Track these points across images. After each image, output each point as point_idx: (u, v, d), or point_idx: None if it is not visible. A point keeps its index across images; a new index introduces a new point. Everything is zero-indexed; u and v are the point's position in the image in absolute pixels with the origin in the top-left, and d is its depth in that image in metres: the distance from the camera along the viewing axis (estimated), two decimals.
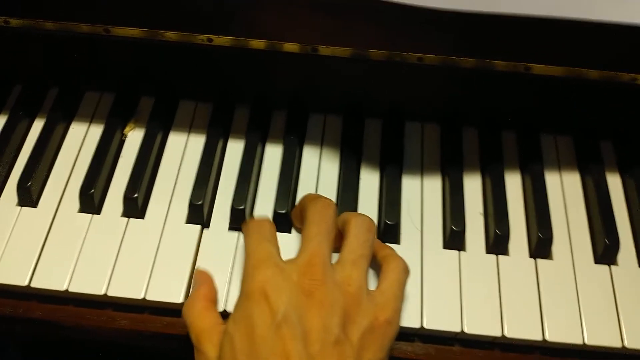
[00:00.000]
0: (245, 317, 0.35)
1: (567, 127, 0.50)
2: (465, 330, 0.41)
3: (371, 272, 0.41)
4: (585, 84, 0.45)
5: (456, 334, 0.41)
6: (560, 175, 0.49)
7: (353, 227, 0.39)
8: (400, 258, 0.40)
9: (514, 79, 0.45)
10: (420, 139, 0.50)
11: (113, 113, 0.50)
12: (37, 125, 0.49)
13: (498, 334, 0.41)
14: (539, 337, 0.41)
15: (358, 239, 0.38)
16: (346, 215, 0.41)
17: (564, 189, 0.48)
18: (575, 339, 0.41)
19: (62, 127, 0.49)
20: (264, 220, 0.41)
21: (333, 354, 0.34)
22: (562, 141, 0.50)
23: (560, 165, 0.49)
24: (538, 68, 0.44)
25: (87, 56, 0.48)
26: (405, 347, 0.43)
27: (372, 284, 0.40)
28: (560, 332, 0.41)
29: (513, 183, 0.48)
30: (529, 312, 0.42)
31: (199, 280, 0.41)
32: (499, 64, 0.44)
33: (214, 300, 0.40)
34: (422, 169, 0.48)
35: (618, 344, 0.41)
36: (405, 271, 0.39)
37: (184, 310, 0.39)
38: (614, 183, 0.48)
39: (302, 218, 0.41)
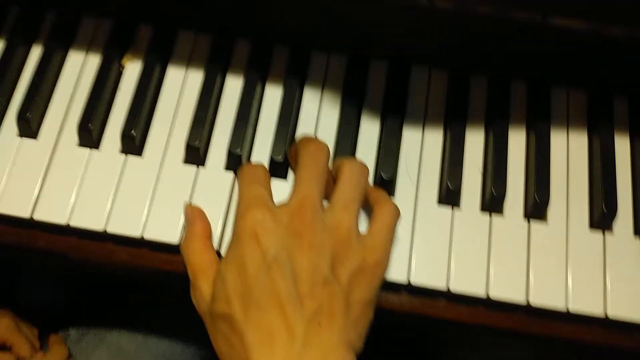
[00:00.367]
0: (237, 258, 0.36)
1: (581, 80, 0.48)
2: (451, 287, 0.42)
3: (363, 214, 0.42)
4: (606, 38, 0.42)
5: (442, 291, 0.43)
6: (568, 133, 0.47)
7: (346, 171, 0.39)
8: (392, 202, 0.41)
9: (530, 29, 0.43)
10: (426, 86, 0.48)
11: (111, 42, 0.48)
12: (35, 53, 0.48)
13: (483, 293, 0.42)
14: (522, 300, 0.42)
15: (350, 183, 0.39)
16: (340, 160, 0.41)
17: (569, 149, 0.47)
18: (559, 304, 0.42)
19: (60, 55, 0.48)
20: (258, 165, 0.41)
21: (322, 293, 0.35)
22: (575, 96, 0.48)
23: (569, 122, 0.47)
24: (557, 19, 0.41)
25: None
26: (392, 297, 0.44)
27: (364, 225, 0.41)
28: (545, 295, 0.42)
29: (517, 139, 0.47)
30: (516, 274, 0.43)
31: (193, 216, 0.42)
32: (517, 13, 0.41)
33: (209, 236, 0.41)
34: (424, 119, 0.47)
35: (601, 312, 0.42)
36: (396, 215, 0.40)
37: (182, 247, 0.41)
38: (622, 145, 0.47)
39: (296, 158, 0.41)
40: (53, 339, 0.62)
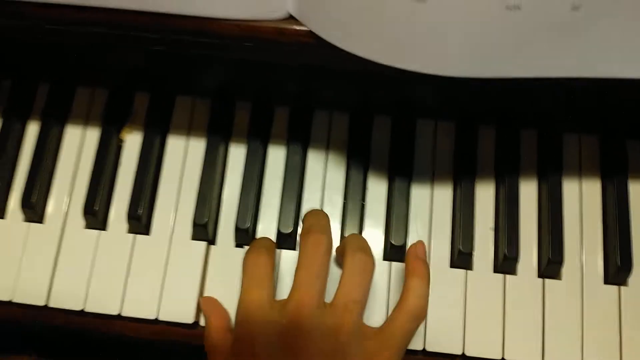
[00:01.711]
0: None
1: (593, 126, 0.47)
2: (467, 353, 0.43)
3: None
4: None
5: (457, 356, 0.43)
6: (580, 182, 0.46)
7: (348, 266, 0.39)
8: (420, 297, 0.38)
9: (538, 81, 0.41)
10: (433, 139, 0.47)
11: (108, 113, 0.48)
12: (32, 129, 0.48)
13: (498, 357, 0.43)
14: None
15: (352, 279, 0.38)
16: (347, 244, 0.40)
17: (582, 198, 0.46)
18: None
19: (57, 130, 0.47)
20: (259, 257, 0.40)
21: None
22: (587, 142, 0.47)
23: (581, 170, 0.47)
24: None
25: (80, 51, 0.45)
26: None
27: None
28: (560, 355, 0.43)
29: (528, 191, 0.46)
30: (531, 335, 0.43)
31: (206, 309, 0.42)
32: None
33: (227, 327, 0.41)
34: (433, 175, 0.47)
35: None
36: (416, 318, 0.38)
37: (205, 347, 0.41)
38: (637, 192, 0.46)
39: None
40: None
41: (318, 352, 0.36)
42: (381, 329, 0.39)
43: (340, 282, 0.39)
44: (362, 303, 0.39)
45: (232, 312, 0.43)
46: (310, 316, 0.37)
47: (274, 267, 0.41)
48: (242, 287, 0.40)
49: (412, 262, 0.40)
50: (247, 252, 0.41)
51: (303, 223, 0.42)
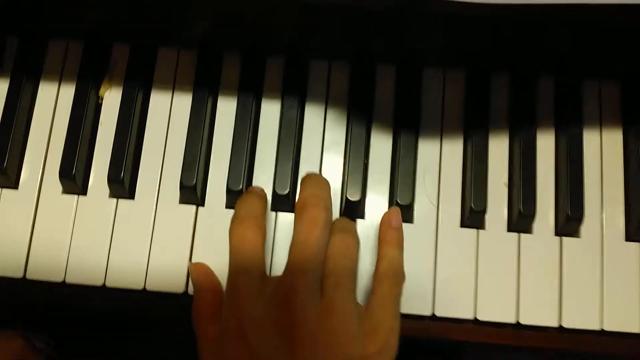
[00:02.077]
0: (222, 353, 0.34)
1: (614, 72, 0.43)
2: (479, 317, 0.40)
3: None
4: None
5: (469, 320, 0.40)
6: (601, 133, 0.43)
7: (330, 246, 0.36)
8: (393, 261, 0.37)
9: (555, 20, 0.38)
10: (441, 90, 0.44)
11: (84, 69, 0.43)
12: (1, 88, 0.43)
13: (512, 320, 0.40)
14: (554, 324, 0.40)
15: (335, 262, 0.35)
16: (334, 227, 0.37)
17: (603, 150, 0.43)
18: (593, 324, 0.40)
19: (29, 88, 0.43)
20: (248, 226, 0.36)
21: None
22: (608, 90, 0.43)
23: (601, 121, 0.43)
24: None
25: None
26: (415, 324, 0.42)
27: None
28: (579, 317, 0.40)
29: (545, 144, 0.43)
30: (547, 297, 0.40)
31: (198, 280, 0.39)
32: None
33: (219, 300, 0.38)
34: (441, 129, 0.43)
35: (636, 329, 0.40)
36: (397, 281, 0.36)
37: (192, 318, 0.38)
38: None
39: None
40: None
41: (314, 339, 0.33)
42: (369, 305, 0.36)
43: (325, 259, 0.35)
44: (351, 279, 0.36)
45: (223, 280, 0.40)
46: (302, 300, 0.33)
47: (264, 239, 0.36)
48: (229, 264, 0.36)
49: (385, 230, 0.38)
50: (233, 222, 0.37)
51: (300, 189, 0.39)
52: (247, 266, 0.35)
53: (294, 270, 0.34)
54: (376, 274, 0.37)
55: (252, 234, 0.36)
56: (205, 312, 0.37)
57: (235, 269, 0.35)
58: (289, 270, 0.34)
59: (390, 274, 0.36)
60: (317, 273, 0.35)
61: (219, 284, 0.39)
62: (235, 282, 0.34)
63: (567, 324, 0.40)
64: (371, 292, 0.36)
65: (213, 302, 0.38)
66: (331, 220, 0.36)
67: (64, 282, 0.41)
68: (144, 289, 0.41)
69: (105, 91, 0.43)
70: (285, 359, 0.33)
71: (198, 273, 0.39)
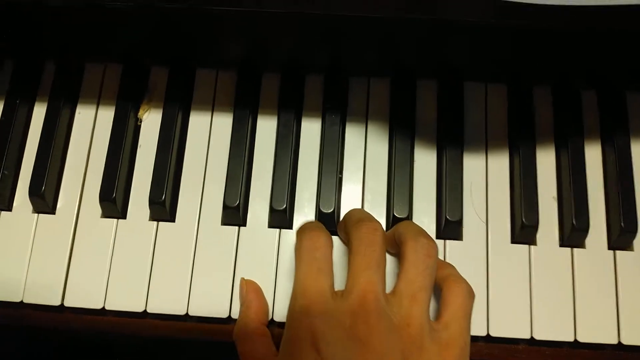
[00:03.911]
0: None
1: None
2: (535, 336, 0.39)
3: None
4: None
5: (524, 340, 0.39)
6: None
7: (411, 253, 0.35)
8: (463, 280, 0.36)
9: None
10: (484, 104, 0.43)
11: (123, 92, 0.44)
12: (39, 112, 0.44)
13: (570, 339, 0.39)
14: (613, 341, 0.39)
15: (417, 268, 0.35)
16: (402, 230, 0.36)
17: None
18: None
19: (67, 112, 0.43)
20: (318, 237, 0.36)
21: None
22: None
23: None
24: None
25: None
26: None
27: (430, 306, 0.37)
28: (638, 334, 0.39)
29: (592, 156, 0.42)
30: (604, 313, 0.39)
31: (247, 296, 0.38)
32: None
33: (265, 322, 0.38)
34: (486, 144, 0.43)
35: None
36: (470, 296, 0.36)
37: (235, 334, 0.37)
38: None
39: (347, 235, 0.37)
40: None
41: (389, 347, 0.32)
42: (442, 318, 0.35)
43: (402, 269, 0.35)
44: (429, 289, 0.35)
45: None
46: (377, 307, 0.33)
47: (332, 250, 0.37)
48: (298, 273, 0.35)
49: (441, 267, 0.37)
50: (301, 234, 0.37)
51: (347, 219, 0.38)
52: (319, 270, 0.35)
53: (362, 275, 0.33)
54: (448, 289, 0.36)
55: (324, 240, 0.36)
56: (253, 328, 0.36)
57: (306, 273, 0.34)
58: (356, 276, 0.34)
59: (464, 289, 0.36)
60: (384, 279, 0.34)
61: (266, 303, 0.39)
62: (305, 290, 0.34)
63: (626, 340, 0.39)
64: (443, 307, 0.35)
65: (261, 319, 0.37)
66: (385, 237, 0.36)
67: (103, 308, 0.40)
68: (187, 314, 0.40)
69: (144, 113, 0.43)
70: None
71: (248, 289, 0.38)
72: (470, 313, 0.36)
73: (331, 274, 0.35)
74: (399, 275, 0.35)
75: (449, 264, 0.38)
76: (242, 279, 0.39)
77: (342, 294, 0.34)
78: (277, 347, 0.36)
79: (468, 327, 0.35)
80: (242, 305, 0.38)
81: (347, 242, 0.38)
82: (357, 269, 0.34)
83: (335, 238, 0.40)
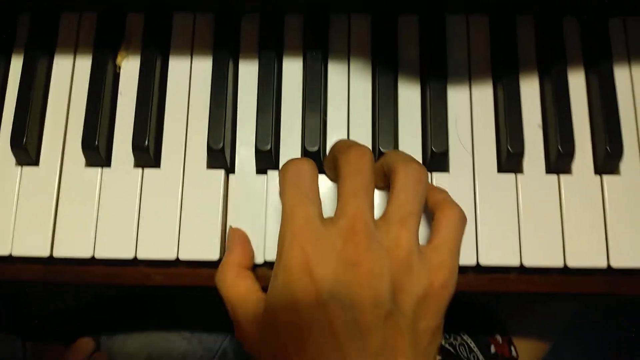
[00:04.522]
0: (287, 295, 0.33)
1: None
2: (525, 263, 0.40)
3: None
4: None
5: (514, 267, 0.40)
6: (630, 69, 0.43)
7: (401, 178, 0.35)
8: (456, 205, 0.36)
9: None
10: (466, 36, 0.43)
11: (99, 39, 0.43)
12: (16, 64, 0.43)
13: (559, 264, 0.39)
14: (603, 264, 0.39)
15: (406, 193, 0.34)
16: (392, 158, 0.36)
17: (634, 86, 0.42)
18: None
19: (45, 63, 0.43)
20: (302, 166, 0.36)
21: (385, 327, 0.32)
22: (633, 24, 0.43)
23: (630, 56, 0.43)
24: None
25: None
26: (459, 279, 0.41)
27: (423, 233, 0.37)
28: (628, 255, 0.39)
29: (576, 84, 0.43)
30: (594, 237, 0.40)
31: (232, 242, 0.39)
32: None
33: (247, 265, 0.38)
34: (469, 75, 0.43)
35: None
36: (462, 220, 0.36)
37: (216, 280, 0.37)
38: None
39: (335, 168, 0.37)
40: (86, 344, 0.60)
41: (379, 268, 0.32)
42: (432, 242, 0.35)
43: (392, 195, 0.35)
44: (419, 215, 0.35)
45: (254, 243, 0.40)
46: (366, 231, 0.33)
47: (317, 178, 0.36)
48: (285, 202, 0.35)
49: (433, 193, 0.37)
50: (285, 165, 0.37)
51: (334, 148, 0.38)
52: (306, 196, 0.34)
53: (351, 200, 0.34)
54: (441, 213, 0.36)
55: (308, 165, 0.35)
56: (233, 270, 0.37)
57: (293, 201, 0.34)
58: (346, 200, 0.34)
59: (457, 213, 0.36)
60: (373, 204, 0.34)
61: (250, 249, 0.39)
62: (294, 216, 0.34)
63: (615, 263, 0.39)
64: (434, 231, 0.35)
65: (241, 262, 0.37)
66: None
67: (93, 257, 0.40)
68: (177, 258, 0.40)
69: (122, 60, 0.43)
70: (351, 290, 0.32)
71: (233, 236, 0.39)
72: (461, 238, 0.36)
73: (318, 200, 0.35)
74: (388, 200, 0.35)
75: (442, 189, 0.38)
76: (230, 227, 0.40)
77: (332, 220, 0.34)
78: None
79: (458, 251, 0.35)
80: (227, 249, 0.38)
81: (334, 177, 0.39)
82: (346, 195, 0.34)
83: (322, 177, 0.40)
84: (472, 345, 0.63)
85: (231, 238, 0.39)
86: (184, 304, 0.61)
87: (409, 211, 0.34)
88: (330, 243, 0.33)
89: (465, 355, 0.62)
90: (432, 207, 0.37)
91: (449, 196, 0.37)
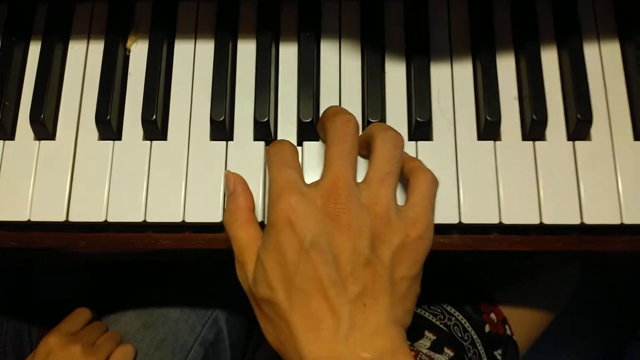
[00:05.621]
0: (274, 245, 0.37)
1: None
2: (504, 221, 0.43)
3: (400, 187, 0.42)
4: None
5: (494, 225, 0.43)
6: (599, 43, 0.47)
7: (379, 144, 0.39)
8: (428, 170, 0.40)
9: None
10: (447, 16, 0.48)
11: (110, 26, 0.48)
12: (34, 50, 0.48)
13: (536, 221, 0.43)
14: (576, 221, 0.43)
15: (384, 156, 0.39)
16: (372, 129, 0.40)
17: (603, 59, 0.47)
18: (614, 219, 0.43)
19: (60, 48, 0.47)
20: (283, 144, 0.41)
21: (365, 273, 0.36)
22: (601, 2, 0.47)
23: (599, 32, 0.47)
24: None
25: None
26: (443, 239, 0.45)
27: (402, 199, 0.41)
28: (599, 213, 0.43)
29: (549, 58, 0.47)
30: (567, 197, 0.43)
31: (235, 187, 0.42)
32: None
33: (253, 208, 0.42)
34: (451, 53, 0.47)
35: None
36: (434, 183, 0.40)
37: (225, 222, 0.41)
38: None
39: (324, 132, 0.41)
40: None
41: (358, 222, 0.36)
42: (408, 201, 0.39)
43: (371, 159, 0.39)
44: (396, 176, 0.39)
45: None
46: (346, 188, 0.37)
47: (298, 154, 0.41)
48: (270, 170, 0.40)
49: (408, 161, 0.42)
50: (270, 144, 0.42)
51: (324, 114, 0.42)
52: (288, 165, 0.39)
53: (336, 161, 0.38)
54: (415, 177, 0.40)
55: (289, 144, 0.40)
56: (245, 214, 0.40)
57: (277, 169, 0.38)
58: (331, 162, 0.38)
59: (429, 176, 0.40)
60: (356, 166, 0.38)
61: (251, 192, 0.42)
62: (278, 179, 0.38)
63: (589, 220, 0.43)
64: (410, 191, 0.40)
65: (248, 205, 0.41)
66: (359, 130, 0.40)
67: (105, 221, 0.44)
68: (183, 221, 0.44)
69: (132, 44, 0.47)
70: (332, 240, 0.36)
71: (235, 180, 0.42)
72: (434, 197, 0.40)
73: (300, 169, 0.40)
74: (369, 164, 0.39)
75: (415, 158, 0.43)
76: (228, 171, 0.43)
77: (318, 180, 0.38)
78: None
79: (432, 208, 0.40)
80: (229, 195, 0.42)
81: (325, 139, 0.42)
82: (330, 158, 0.38)
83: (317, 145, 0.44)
84: (467, 325, 0.67)
85: (232, 182, 0.42)
86: (179, 279, 0.65)
87: (387, 171, 0.38)
88: (312, 199, 0.37)
89: (460, 335, 0.65)
90: (408, 174, 0.41)
91: (422, 163, 0.41)
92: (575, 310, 0.77)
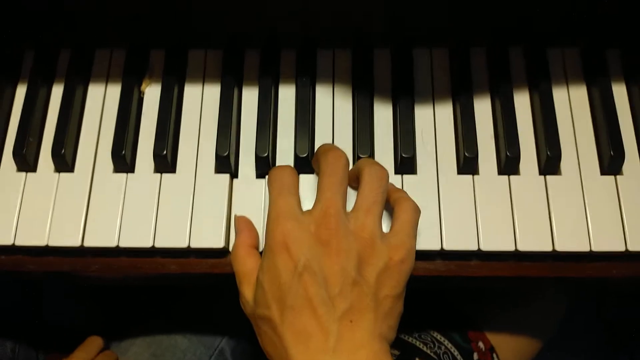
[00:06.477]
0: (271, 267, 0.41)
1: (573, 38, 0.53)
2: (482, 247, 0.47)
3: (386, 215, 0.47)
4: None
5: (473, 251, 0.47)
6: (568, 89, 0.52)
7: (366, 176, 0.44)
8: (411, 200, 0.45)
9: None
10: (430, 65, 0.53)
11: (127, 70, 0.53)
12: (56, 91, 0.53)
13: (512, 248, 0.47)
14: (549, 248, 0.47)
15: (371, 188, 0.43)
16: (361, 163, 0.45)
17: (572, 103, 0.52)
18: (583, 247, 0.47)
19: (81, 90, 0.53)
20: (284, 169, 0.45)
21: (352, 293, 0.40)
22: (569, 54, 0.53)
23: (567, 79, 0.53)
24: None
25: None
26: (428, 265, 0.49)
27: (388, 225, 0.45)
28: (569, 241, 0.47)
29: (522, 102, 0.52)
30: (540, 226, 0.48)
31: (239, 226, 0.47)
32: None
33: (254, 245, 0.46)
34: (433, 96, 0.52)
35: (622, 248, 0.47)
36: (416, 211, 0.45)
37: (231, 257, 0.46)
38: (620, 93, 0.52)
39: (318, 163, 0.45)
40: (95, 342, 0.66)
41: (347, 247, 0.41)
42: (392, 228, 0.44)
43: (359, 190, 0.44)
44: (381, 205, 0.44)
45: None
46: (336, 216, 0.41)
47: (298, 180, 0.45)
48: (270, 195, 0.44)
49: (393, 192, 0.46)
50: (271, 169, 0.46)
51: (318, 151, 0.47)
52: (287, 192, 0.43)
53: (327, 191, 0.42)
54: (399, 206, 0.44)
55: (289, 170, 0.45)
56: (245, 249, 0.45)
57: (276, 195, 0.43)
58: (323, 192, 0.42)
59: (412, 205, 0.44)
60: (345, 197, 0.43)
61: (256, 230, 0.47)
62: (276, 204, 0.42)
63: (560, 247, 0.47)
64: (394, 219, 0.44)
65: (250, 242, 0.45)
66: (349, 164, 0.45)
67: (117, 246, 0.48)
68: (189, 246, 0.48)
69: (146, 87, 0.53)
70: (323, 263, 0.40)
71: (239, 221, 0.47)
72: (416, 224, 0.44)
73: (297, 195, 0.44)
74: (357, 195, 0.44)
75: (400, 189, 0.48)
76: (235, 214, 0.48)
77: (310, 209, 0.43)
78: None
79: (414, 234, 0.44)
80: (235, 233, 0.47)
81: (318, 173, 0.47)
82: (323, 188, 0.43)
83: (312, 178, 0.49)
84: (456, 353, 0.70)
85: (238, 223, 0.47)
86: (186, 309, 0.68)
87: (373, 201, 0.43)
88: (306, 226, 0.41)
89: None
90: (393, 203, 0.45)
91: (406, 194, 0.46)
92: (564, 335, 0.80)
